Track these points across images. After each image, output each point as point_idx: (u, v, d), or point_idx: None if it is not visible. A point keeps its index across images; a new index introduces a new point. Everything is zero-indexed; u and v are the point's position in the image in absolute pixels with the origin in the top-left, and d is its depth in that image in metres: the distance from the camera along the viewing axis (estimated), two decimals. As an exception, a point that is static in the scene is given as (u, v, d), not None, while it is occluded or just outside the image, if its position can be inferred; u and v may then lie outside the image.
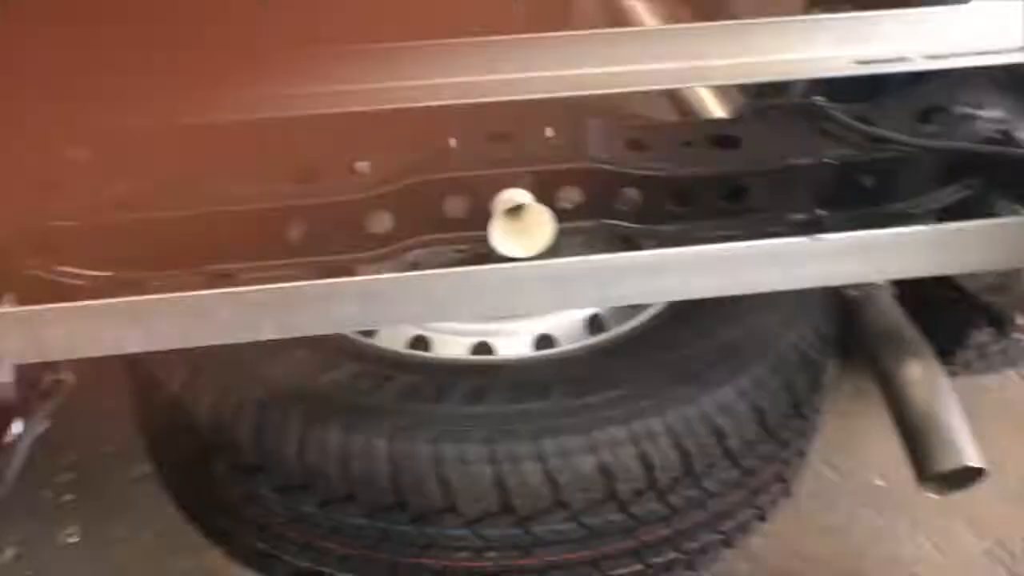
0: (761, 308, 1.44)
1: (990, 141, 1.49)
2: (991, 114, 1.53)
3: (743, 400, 1.36)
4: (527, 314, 1.49)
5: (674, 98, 2.05)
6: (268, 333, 1.06)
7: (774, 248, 1.14)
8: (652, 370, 1.38)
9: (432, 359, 1.49)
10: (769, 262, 1.14)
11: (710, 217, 1.51)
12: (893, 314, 1.70)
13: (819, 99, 1.58)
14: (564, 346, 1.50)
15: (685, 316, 1.45)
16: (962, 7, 1.57)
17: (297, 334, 1.10)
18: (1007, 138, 1.50)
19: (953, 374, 2.37)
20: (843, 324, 1.65)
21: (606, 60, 1.53)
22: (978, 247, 1.21)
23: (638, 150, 1.51)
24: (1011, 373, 2.49)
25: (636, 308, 1.50)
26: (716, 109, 2.02)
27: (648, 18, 2.03)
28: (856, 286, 1.70)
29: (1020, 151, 1.46)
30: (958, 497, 2.20)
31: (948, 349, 2.13)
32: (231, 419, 1.35)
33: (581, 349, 1.47)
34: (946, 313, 1.91)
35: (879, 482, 2.26)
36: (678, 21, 2.26)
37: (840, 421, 2.32)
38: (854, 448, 2.33)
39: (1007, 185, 1.50)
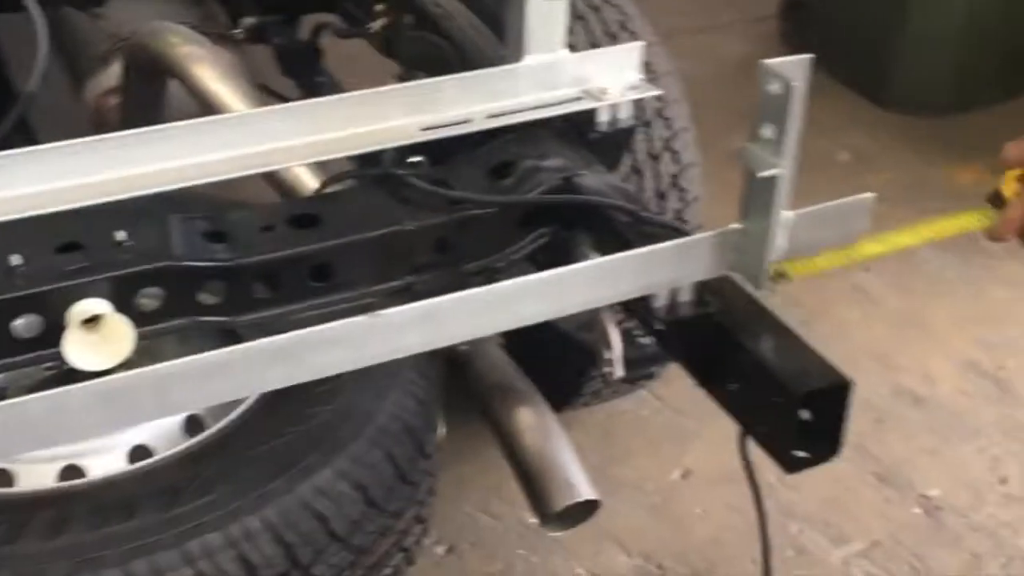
0: (354, 383, 1.45)
1: (555, 190, 1.57)
2: (554, 163, 1.61)
3: (343, 480, 1.36)
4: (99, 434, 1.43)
5: (272, 179, 2.04)
6: None
7: (336, 331, 1.14)
8: (248, 466, 1.35)
9: (12, 494, 1.39)
10: (334, 345, 1.14)
11: (302, 298, 1.50)
12: (501, 365, 1.76)
13: (397, 168, 1.62)
14: (160, 454, 1.44)
15: (279, 403, 1.44)
16: (515, 66, 1.66)
17: None
18: (569, 185, 1.58)
19: (586, 404, 2.50)
20: (452, 381, 1.68)
21: (177, 153, 1.50)
22: (539, 298, 1.26)
23: (219, 241, 1.49)
24: (643, 393, 2.64)
25: (232, 402, 1.48)
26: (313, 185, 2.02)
27: (235, 102, 2.01)
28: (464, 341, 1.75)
29: (580, 197, 1.55)
30: (605, 519, 2.33)
31: (572, 384, 2.23)
32: None
33: (176, 455, 1.42)
34: (558, 352, 2.00)
35: (532, 520, 2.32)
36: (271, 101, 2.26)
37: (496, 464, 2.38)
38: (507, 491, 2.39)
39: (578, 229, 1.59)
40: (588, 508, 1.60)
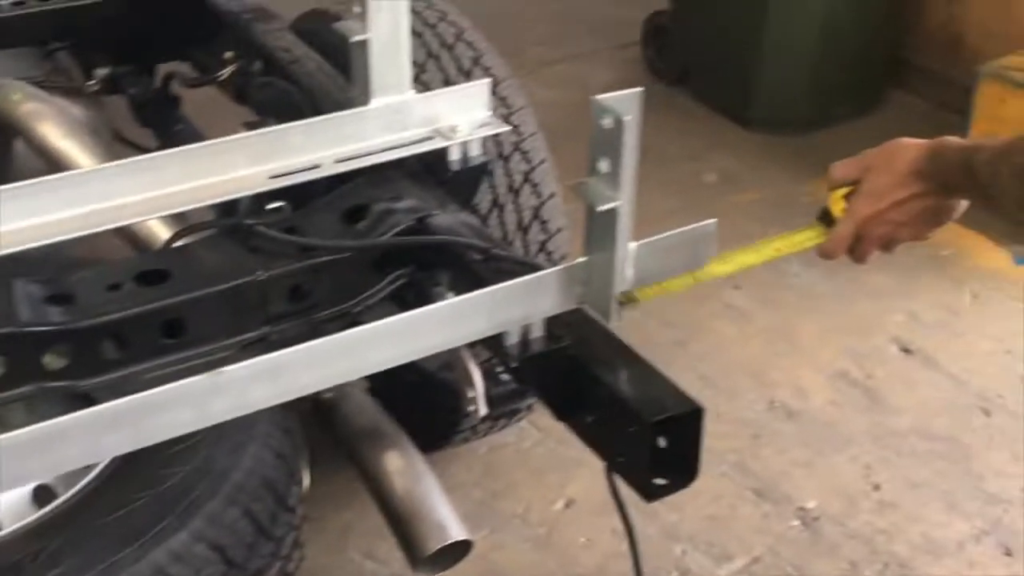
0: (208, 441, 1.41)
1: (408, 231, 1.57)
2: (407, 204, 1.61)
3: (199, 542, 1.32)
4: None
5: (124, 234, 1.99)
6: None
7: (176, 391, 1.12)
8: (98, 536, 1.31)
9: None
10: (175, 406, 1.11)
11: (154, 357, 1.47)
12: (367, 409, 1.74)
13: (253, 216, 1.59)
14: (8, 527, 1.39)
15: (129, 468, 1.40)
16: (364, 109, 1.65)
17: None
18: (422, 225, 1.58)
19: (466, 440, 2.49)
20: (320, 428, 1.66)
21: (22, 213, 1.45)
22: (389, 343, 1.25)
23: (63, 303, 1.45)
24: (524, 424, 2.63)
25: (84, 468, 1.43)
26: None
27: (81, 158, 1.96)
28: (329, 388, 1.72)
29: (431, 238, 1.54)
30: (491, 553, 2.33)
31: (448, 422, 2.22)
32: None
33: (24, 528, 1.36)
34: (427, 392, 1.99)
35: (417, 563, 2.30)
36: (128, 153, 2.21)
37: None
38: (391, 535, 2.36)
39: (435, 269, 1.58)
40: (461, 549, 1.59)
